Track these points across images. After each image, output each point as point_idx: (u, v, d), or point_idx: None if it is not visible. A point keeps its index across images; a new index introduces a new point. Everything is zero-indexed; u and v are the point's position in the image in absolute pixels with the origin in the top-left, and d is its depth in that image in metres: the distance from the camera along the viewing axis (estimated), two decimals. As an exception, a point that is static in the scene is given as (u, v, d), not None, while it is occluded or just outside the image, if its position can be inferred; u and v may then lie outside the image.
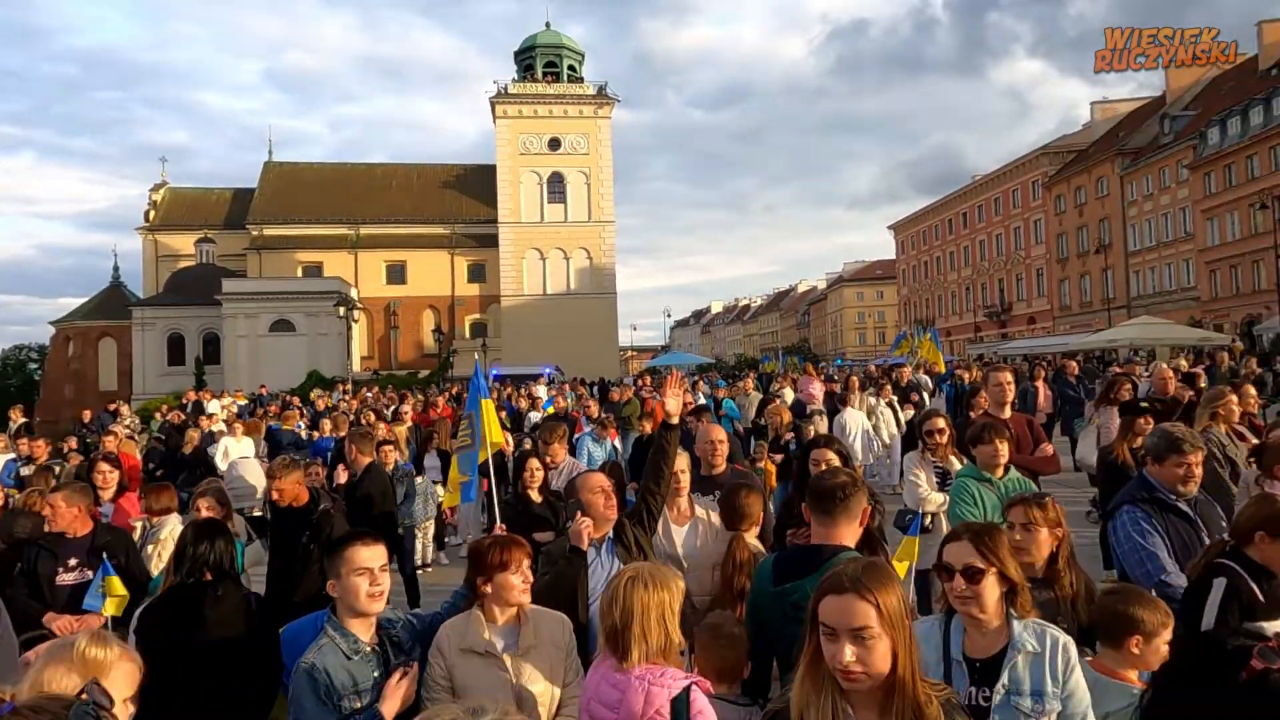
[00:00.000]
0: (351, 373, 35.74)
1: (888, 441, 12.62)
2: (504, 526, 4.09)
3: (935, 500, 5.36)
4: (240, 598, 3.45)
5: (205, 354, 51.69)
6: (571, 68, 60.42)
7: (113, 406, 21.47)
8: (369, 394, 23.81)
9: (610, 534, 3.66)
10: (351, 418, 13.42)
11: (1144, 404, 6.95)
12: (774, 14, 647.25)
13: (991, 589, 2.35)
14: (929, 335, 22.09)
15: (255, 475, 8.39)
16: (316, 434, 12.48)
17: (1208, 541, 3.49)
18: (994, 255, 62.54)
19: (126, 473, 7.11)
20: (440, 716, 1.39)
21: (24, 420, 16.75)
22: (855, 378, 14.31)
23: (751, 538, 3.99)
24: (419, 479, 9.14)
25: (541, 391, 19.56)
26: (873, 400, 13.44)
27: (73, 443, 13.68)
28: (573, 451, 8.35)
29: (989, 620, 2.36)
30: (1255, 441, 5.23)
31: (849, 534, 2.98)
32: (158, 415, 21.28)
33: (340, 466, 7.77)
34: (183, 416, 17.74)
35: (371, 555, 2.83)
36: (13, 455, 10.97)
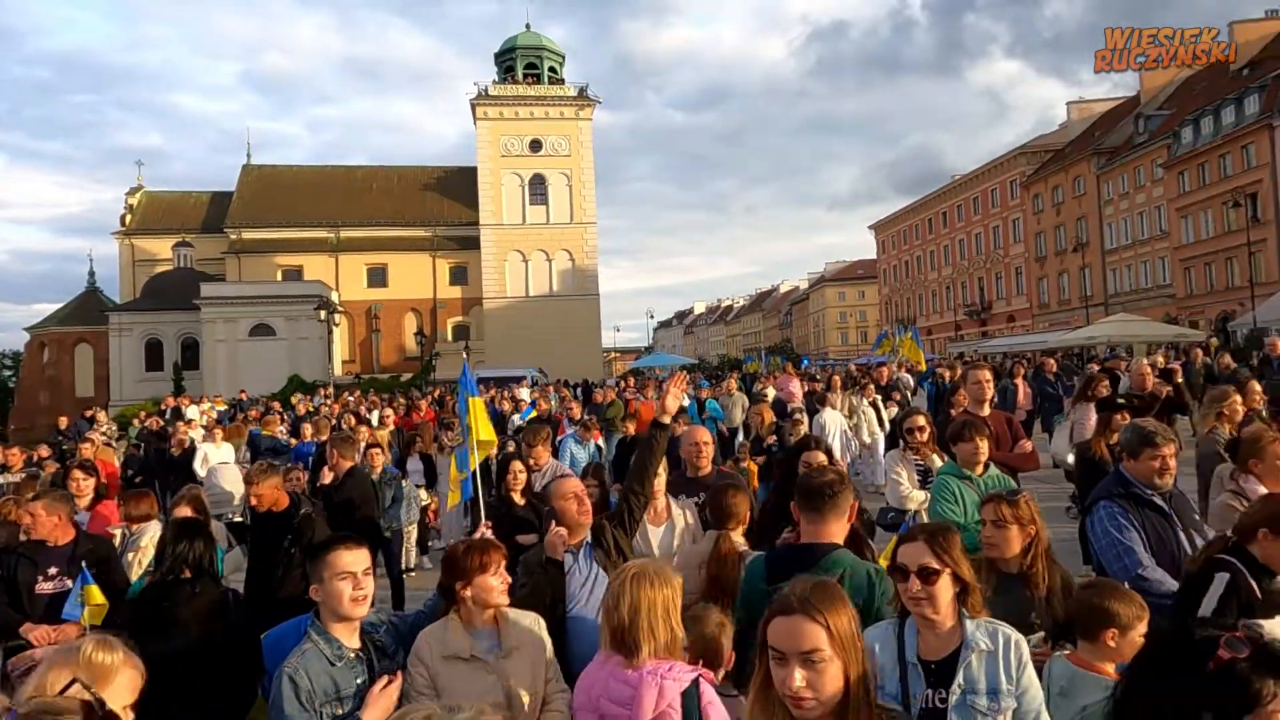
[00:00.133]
0: (333, 377, 35.55)
1: (868, 441, 12.69)
2: (489, 525, 4.08)
3: (917, 498, 5.40)
4: (218, 595, 3.45)
5: (184, 359, 51.18)
6: (552, 69, 60.32)
7: (89, 413, 21.25)
8: (350, 398, 23.68)
9: (588, 538, 3.66)
10: (333, 422, 13.34)
11: (1122, 400, 7.06)
12: (754, 15, 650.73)
13: (945, 589, 2.35)
14: (910, 334, 22.20)
15: (233, 481, 8.33)
16: (295, 440, 12.40)
17: (1182, 535, 3.55)
18: (974, 254, 63.03)
19: (104, 480, 7.04)
20: (416, 713, 1.39)
21: (-2, 428, 16.51)
22: (838, 377, 14.40)
23: (738, 536, 4.02)
24: (404, 482, 9.10)
25: (525, 394, 19.52)
26: (855, 399, 13.52)
27: (43, 450, 13.52)
28: (556, 454, 8.35)
29: (942, 621, 2.36)
30: None
31: (838, 531, 3.02)
32: (136, 422, 21.04)
33: (324, 469, 7.73)
34: (161, 423, 17.57)
35: (355, 559, 2.81)
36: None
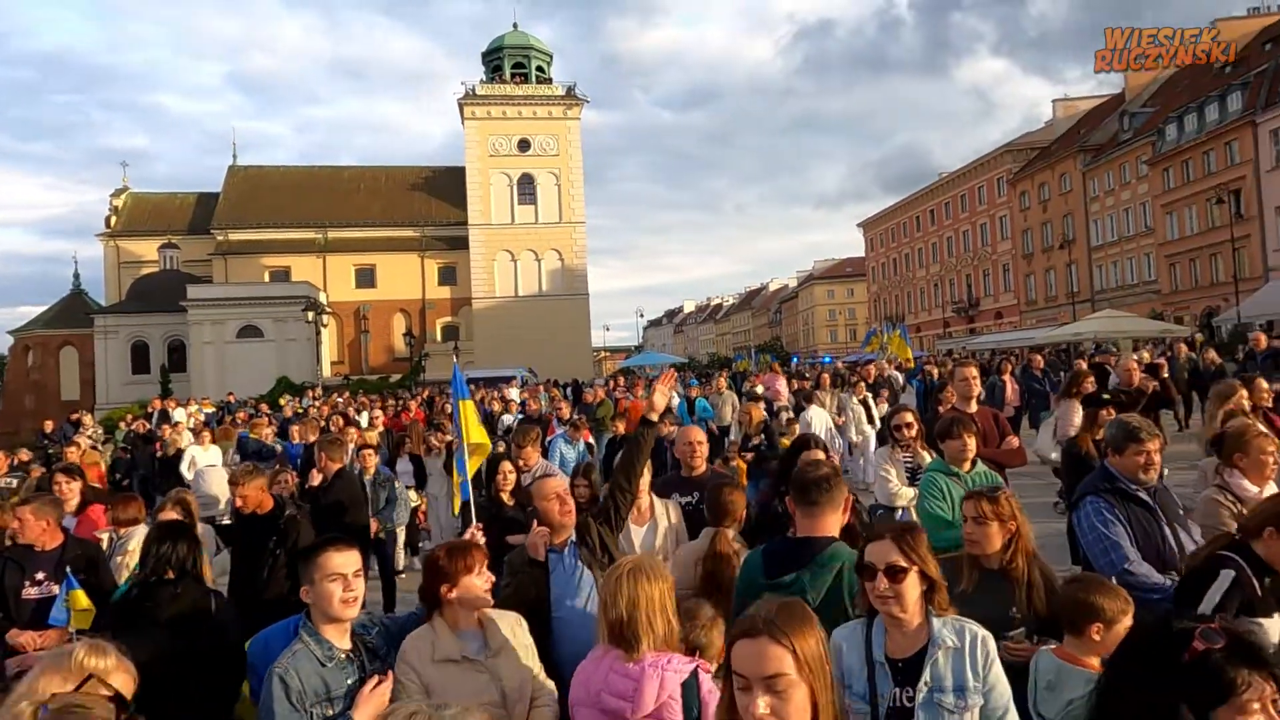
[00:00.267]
0: (321, 378, 35.38)
1: (855, 439, 12.73)
2: (480, 527, 4.08)
3: (905, 495, 5.43)
4: (201, 595, 3.45)
5: (171, 362, 50.84)
6: (540, 69, 60.23)
7: (75, 417, 21.09)
8: (339, 399, 23.59)
9: (573, 537, 3.66)
10: (321, 424, 13.28)
11: (1108, 395, 7.10)
12: (741, 14, 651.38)
13: (913, 587, 2.37)
14: (899, 331, 22.36)
15: (219, 485, 8.30)
16: (280, 447, 12.31)
17: (1168, 530, 3.59)
18: (961, 251, 63.32)
19: (94, 482, 6.99)
20: (403, 709, 1.40)
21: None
22: (826, 375, 14.45)
23: (733, 533, 4.05)
24: (396, 483, 9.07)
25: (514, 394, 19.50)
26: (844, 396, 13.56)
27: (24, 455, 13.40)
28: (546, 454, 8.34)
29: (910, 619, 2.37)
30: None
31: (834, 524, 3.06)
32: (122, 425, 20.90)
33: (313, 471, 7.70)
34: (148, 426, 17.46)
35: (345, 561, 2.81)
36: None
